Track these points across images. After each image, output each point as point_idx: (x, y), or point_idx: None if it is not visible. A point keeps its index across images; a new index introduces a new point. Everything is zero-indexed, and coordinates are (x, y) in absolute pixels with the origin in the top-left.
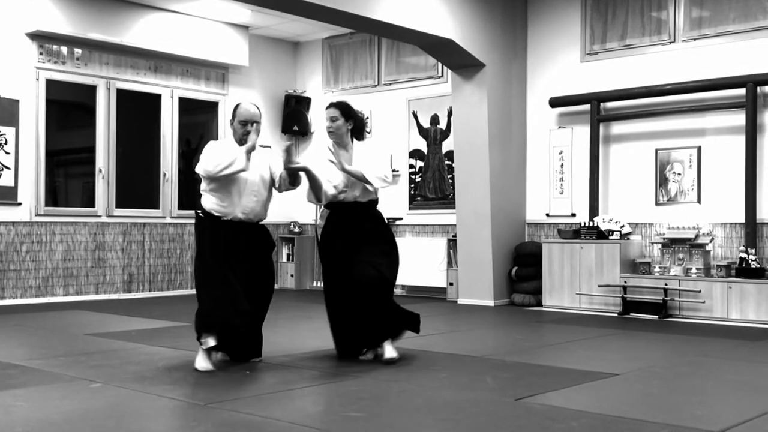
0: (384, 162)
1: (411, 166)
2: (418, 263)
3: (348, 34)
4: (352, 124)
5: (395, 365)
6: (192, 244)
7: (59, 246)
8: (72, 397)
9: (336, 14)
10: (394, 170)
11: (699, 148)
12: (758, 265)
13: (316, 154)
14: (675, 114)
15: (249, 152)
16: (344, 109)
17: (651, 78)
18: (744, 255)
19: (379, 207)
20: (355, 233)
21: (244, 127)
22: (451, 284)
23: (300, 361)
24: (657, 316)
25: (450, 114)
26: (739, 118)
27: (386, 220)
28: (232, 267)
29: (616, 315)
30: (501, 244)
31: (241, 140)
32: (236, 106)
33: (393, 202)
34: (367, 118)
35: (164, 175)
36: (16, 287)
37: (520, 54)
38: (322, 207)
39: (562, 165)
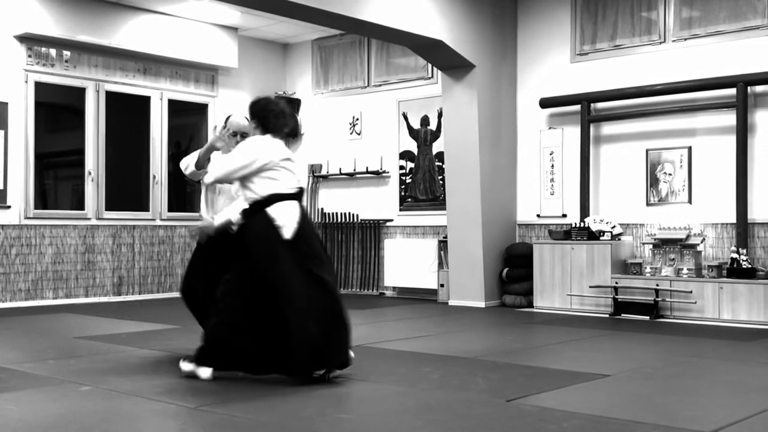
0: (232, 156)
1: (401, 168)
2: (409, 265)
3: (337, 36)
4: (255, 123)
5: (389, 365)
6: (181, 247)
7: (49, 249)
8: (62, 401)
9: (325, 15)
10: (382, 171)
11: (690, 149)
12: (749, 266)
13: None
14: (665, 114)
15: (203, 155)
16: (250, 109)
17: (641, 78)
18: (735, 255)
19: (369, 209)
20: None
21: (234, 138)
22: (441, 286)
23: None
24: (648, 317)
25: (440, 115)
26: (729, 118)
27: (269, 221)
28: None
29: (607, 316)
30: (492, 246)
31: (230, 150)
32: (227, 118)
33: (383, 204)
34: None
35: (154, 177)
36: (6, 290)
37: (510, 55)
38: None
39: (552, 166)
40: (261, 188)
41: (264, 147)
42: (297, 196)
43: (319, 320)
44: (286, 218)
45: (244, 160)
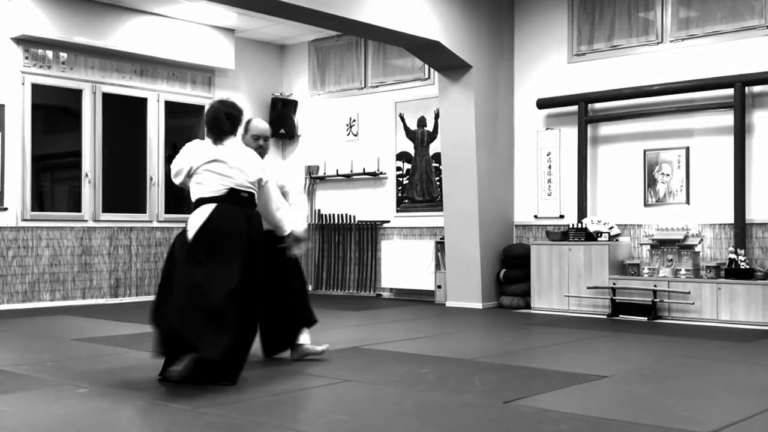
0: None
1: (398, 169)
2: (406, 266)
3: (334, 37)
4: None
5: (386, 366)
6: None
7: (46, 251)
8: (59, 403)
9: (322, 17)
10: (379, 172)
11: (687, 149)
12: (747, 266)
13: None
14: (663, 115)
15: None
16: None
17: (639, 79)
18: (733, 256)
19: (366, 210)
20: None
21: (257, 142)
22: (439, 287)
23: (287, 365)
24: (646, 318)
25: (437, 116)
26: (727, 118)
27: (184, 228)
28: None
29: (605, 317)
30: (489, 247)
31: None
32: (248, 122)
33: (380, 205)
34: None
35: (151, 179)
36: (3, 293)
37: (507, 55)
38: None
39: (549, 166)
40: (193, 193)
41: (187, 152)
42: (223, 197)
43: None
44: (194, 222)
45: (175, 168)
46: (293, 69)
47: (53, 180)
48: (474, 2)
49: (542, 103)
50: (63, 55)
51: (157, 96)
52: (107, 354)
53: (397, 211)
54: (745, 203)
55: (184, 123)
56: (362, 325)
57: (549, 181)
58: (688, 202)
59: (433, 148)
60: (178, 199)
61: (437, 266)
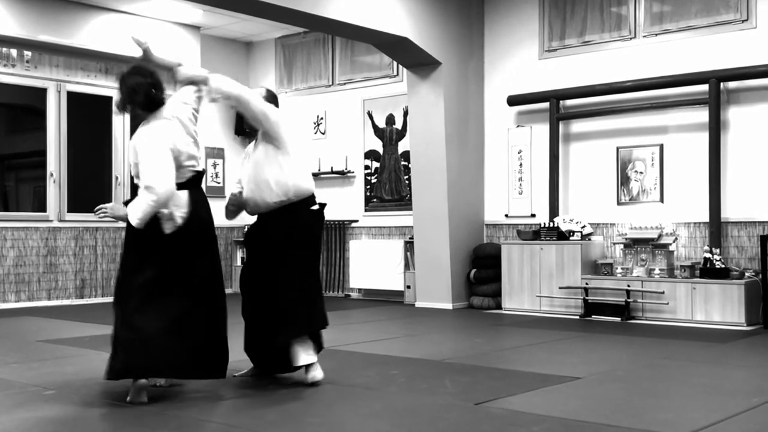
0: None
1: (366, 167)
2: (375, 266)
3: (301, 34)
4: None
5: (356, 368)
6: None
7: (10, 251)
8: (25, 405)
9: (288, 13)
10: (347, 171)
11: (661, 146)
12: (723, 266)
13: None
14: (636, 111)
15: None
16: None
17: (611, 75)
18: (708, 255)
19: (334, 209)
20: None
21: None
22: (408, 287)
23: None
24: (619, 318)
25: (406, 114)
26: (702, 114)
27: None
28: None
29: (577, 317)
30: (459, 246)
31: None
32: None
33: (348, 204)
34: (322, 118)
35: (116, 178)
36: None
37: (477, 52)
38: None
39: (521, 164)
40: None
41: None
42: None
43: None
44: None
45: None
46: (260, 66)
47: (18, 180)
48: None
49: (513, 100)
50: (27, 53)
51: None
52: (73, 355)
53: (366, 210)
54: (721, 201)
55: None
56: (331, 326)
57: (520, 179)
58: (662, 200)
59: (402, 146)
60: None
61: (406, 266)
